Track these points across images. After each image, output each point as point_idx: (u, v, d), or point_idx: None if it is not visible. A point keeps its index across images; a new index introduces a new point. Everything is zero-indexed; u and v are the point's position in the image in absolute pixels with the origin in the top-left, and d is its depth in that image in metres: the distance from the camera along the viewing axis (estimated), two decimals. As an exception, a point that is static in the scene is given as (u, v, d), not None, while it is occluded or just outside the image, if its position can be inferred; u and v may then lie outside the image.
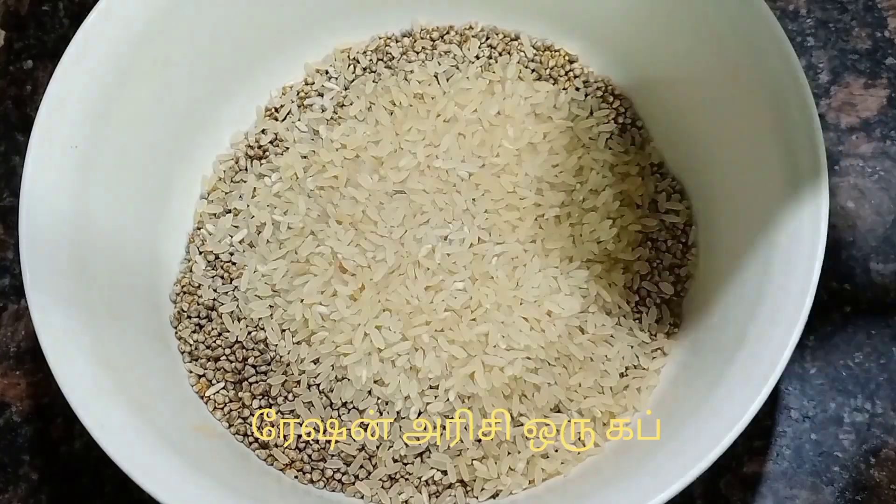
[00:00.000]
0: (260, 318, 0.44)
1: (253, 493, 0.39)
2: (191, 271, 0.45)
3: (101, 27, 0.43)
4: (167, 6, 0.44)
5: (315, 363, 0.42)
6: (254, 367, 0.43)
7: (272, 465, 0.42)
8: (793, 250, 0.38)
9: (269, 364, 0.43)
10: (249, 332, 0.44)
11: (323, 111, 0.48)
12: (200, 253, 0.46)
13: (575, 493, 0.39)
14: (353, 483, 0.42)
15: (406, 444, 0.42)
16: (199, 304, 0.45)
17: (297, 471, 0.42)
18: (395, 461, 0.42)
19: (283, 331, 0.43)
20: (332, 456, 0.42)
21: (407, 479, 0.42)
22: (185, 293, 0.45)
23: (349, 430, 0.42)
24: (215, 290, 0.45)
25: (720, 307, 0.42)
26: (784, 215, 0.39)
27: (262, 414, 0.43)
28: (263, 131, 0.48)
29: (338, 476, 0.42)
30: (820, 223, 0.38)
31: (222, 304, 0.44)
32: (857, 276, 0.48)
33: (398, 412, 0.42)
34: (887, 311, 0.47)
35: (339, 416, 0.42)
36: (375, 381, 0.42)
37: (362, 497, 0.42)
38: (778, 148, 0.40)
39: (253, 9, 0.47)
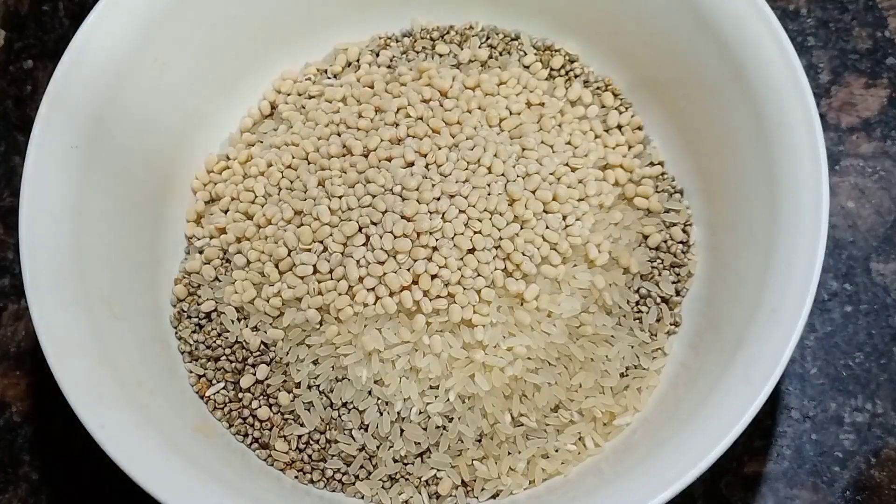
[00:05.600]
0: (260, 319, 0.44)
1: (253, 493, 0.39)
2: (190, 271, 0.45)
3: (101, 27, 0.43)
4: (167, 6, 0.44)
5: (315, 363, 0.42)
6: (254, 366, 0.43)
7: (272, 465, 0.42)
8: (793, 250, 0.38)
9: (269, 364, 0.43)
10: (251, 331, 0.44)
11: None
12: (200, 252, 0.46)
13: (575, 493, 0.39)
14: (354, 483, 0.42)
15: (405, 444, 0.42)
16: (198, 304, 0.45)
17: (298, 471, 0.42)
18: (396, 461, 0.42)
19: (284, 330, 0.43)
20: (333, 456, 0.42)
21: (407, 480, 0.42)
22: (185, 293, 0.45)
23: (349, 430, 0.42)
24: (215, 290, 0.45)
25: (720, 307, 0.42)
26: (784, 215, 0.39)
27: (262, 414, 0.43)
28: (263, 131, 0.48)
29: (338, 476, 0.42)
30: (820, 223, 0.38)
31: (222, 303, 0.44)
32: (857, 276, 0.48)
33: (398, 412, 0.42)
34: (887, 311, 0.47)
35: (340, 416, 0.42)
36: (375, 382, 0.42)
37: (362, 497, 0.42)
38: (778, 148, 0.40)
39: (253, 9, 0.47)
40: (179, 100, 0.46)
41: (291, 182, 0.45)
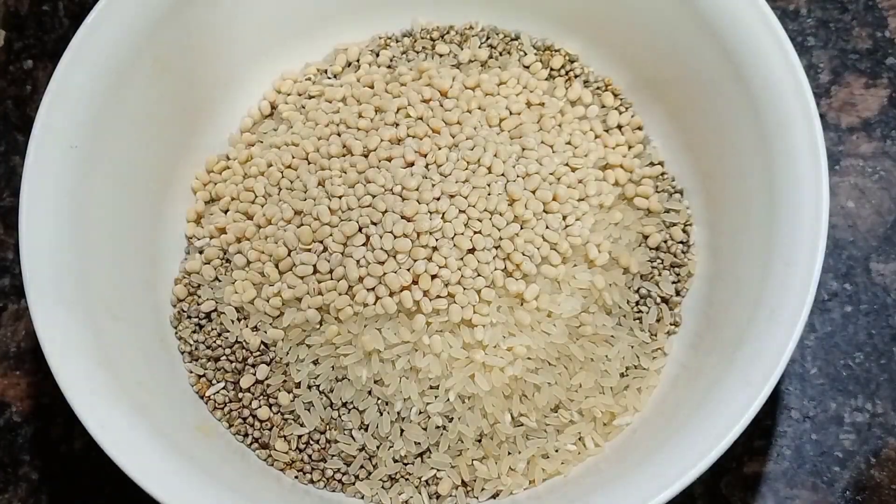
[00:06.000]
0: (260, 319, 0.44)
1: (253, 493, 0.39)
2: (190, 271, 0.45)
3: (101, 27, 0.43)
4: (167, 6, 0.44)
5: (315, 363, 0.42)
6: (253, 366, 0.43)
7: (272, 465, 0.42)
8: (793, 250, 0.38)
9: (269, 364, 0.43)
10: (251, 331, 0.44)
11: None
12: (200, 252, 0.46)
13: (575, 493, 0.39)
14: (354, 483, 0.42)
15: (405, 444, 0.42)
16: (198, 304, 0.45)
17: (298, 471, 0.42)
18: (396, 461, 0.42)
19: (284, 330, 0.43)
20: (333, 456, 0.42)
21: (407, 480, 0.42)
22: (185, 293, 0.45)
23: (349, 430, 0.42)
24: (215, 290, 0.45)
25: (720, 307, 0.42)
26: (784, 215, 0.39)
27: (262, 414, 0.43)
28: (263, 131, 0.48)
29: (338, 476, 0.42)
30: (820, 223, 0.38)
31: (222, 303, 0.44)
32: (857, 276, 0.48)
33: (398, 412, 0.42)
34: (887, 311, 0.47)
35: (340, 416, 0.42)
36: (375, 382, 0.42)
37: (362, 497, 0.42)
38: (778, 148, 0.40)
39: (253, 9, 0.47)
40: (179, 100, 0.46)
41: (291, 182, 0.45)
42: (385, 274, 0.41)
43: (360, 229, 0.42)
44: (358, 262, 0.41)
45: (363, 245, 0.42)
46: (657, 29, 0.45)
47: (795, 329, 0.37)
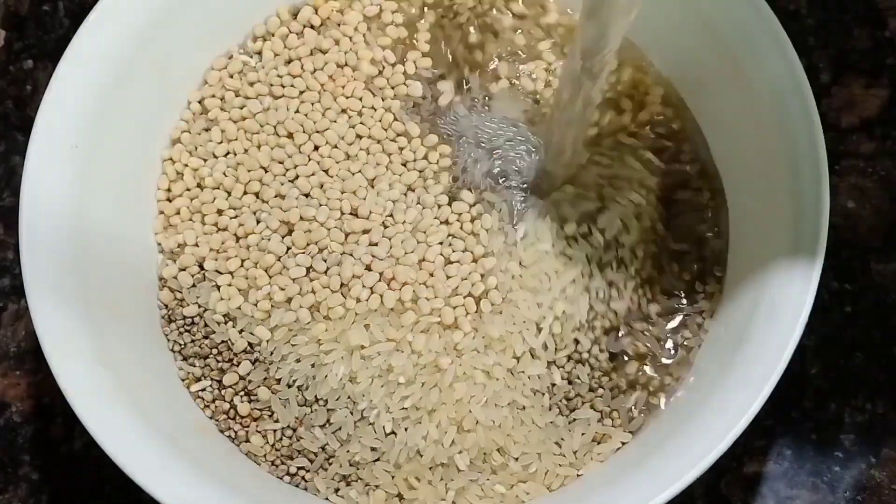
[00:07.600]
0: (248, 321, 0.43)
1: (253, 494, 0.39)
2: (167, 277, 0.45)
3: (101, 27, 0.43)
4: (167, 6, 0.44)
5: (297, 361, 0.42)
6: (238, 364, 0.43)
7: (254, 460, 0.42)
8: (793, 250, 0.38)
9: (253, 364, 0.43)
10: (237, 332, 0.43)
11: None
12: (173, 261, 0.45)
13: (575, 493, 0.39)
14: (313, 480, 0.41)
15: (361, 448, 0.41)
16: (182, 308, 0.44)
17: (270, 463, 0.42)
18: (351, 465, 0.41)
19: (270, 330, 0.43)
20: (299, 452, 0.42)
21: (357, 482, 0.41)
22: (170, 297, 0.45)
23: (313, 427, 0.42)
24: (200, 297, 0.44)
25: (720, 307, 0.42)
26: (784, 215, 0.39)
27: (241, 409, 0.42)
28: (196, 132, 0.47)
29: (301, 472, 0.41)
30: (820, 223, 0.38)
31: (207, 309, 0.44)
32: (857, 276, 0.48)
33: (361, 411, 0.41)
34: (887, 311, 0.47)
35: (312, 411, 0.42)
36: (350, 380, 0.41)
37: (325, 496, 0.41)
38: (779, 148, 0.40)
39: (253, 9, 0.47)
40: (179, 100, 0.46)
41: (257, 192, 0.44)
42: (382, 271, 0.41)
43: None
44: (359, 259, 0.42)
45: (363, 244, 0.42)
46: (658, 29, 0.45)
47: (795, 329, 0.37)
